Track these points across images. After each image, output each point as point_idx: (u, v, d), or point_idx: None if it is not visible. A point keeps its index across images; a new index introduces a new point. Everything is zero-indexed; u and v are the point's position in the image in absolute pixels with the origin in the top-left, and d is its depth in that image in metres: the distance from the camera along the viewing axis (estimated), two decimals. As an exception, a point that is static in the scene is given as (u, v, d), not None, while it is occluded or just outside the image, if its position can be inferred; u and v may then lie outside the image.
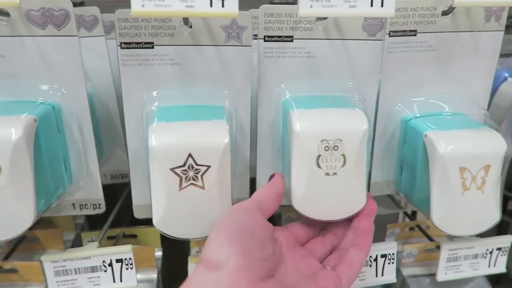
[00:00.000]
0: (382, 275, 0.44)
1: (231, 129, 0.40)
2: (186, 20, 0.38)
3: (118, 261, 0.41)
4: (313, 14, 0.33)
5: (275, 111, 0.43)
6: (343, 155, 0.36)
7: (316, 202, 0.37)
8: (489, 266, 0.46)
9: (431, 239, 0.54)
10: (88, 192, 0.45)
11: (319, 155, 0.36)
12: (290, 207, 0.39)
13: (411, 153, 0.43)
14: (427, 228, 0.58)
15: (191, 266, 0.43)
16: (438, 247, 0.52)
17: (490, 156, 0.39)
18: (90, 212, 0.45)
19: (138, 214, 0.45)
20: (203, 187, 0.36)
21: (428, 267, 0.53)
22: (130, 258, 0.40)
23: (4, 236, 0.36)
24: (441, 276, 0.45)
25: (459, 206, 0.39)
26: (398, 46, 0.43)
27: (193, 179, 0.36)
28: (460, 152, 0.38)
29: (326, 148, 0.36)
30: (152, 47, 0.40)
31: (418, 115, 0.44)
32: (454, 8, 0.41)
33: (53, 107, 0.39)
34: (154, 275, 0.48)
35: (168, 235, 0.37)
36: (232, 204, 0.39)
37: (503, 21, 0.44)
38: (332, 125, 0.36)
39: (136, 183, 0.44)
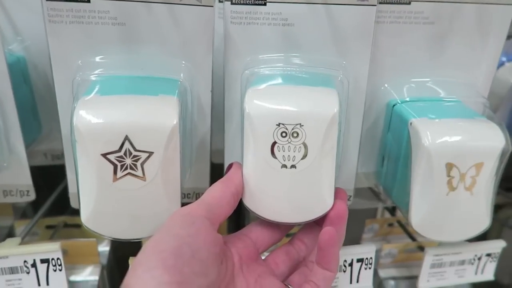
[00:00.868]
0: (357, 281, 0.39)
1: (184, 107, 0.33)
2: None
3: (43, 261, 0.34)
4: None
5: (244, 88, 0.36)
6: (304, 144, 0.30)
7: (269, 199, 0.31)
8: (476, 273, 0.41)
9: (412, 238, 0.49)
10: (13, 176, 0.37)
11: (274, 142, 0.30)
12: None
13: (395, 142, 0.38)
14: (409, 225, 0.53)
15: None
16: (420, 248, 0.48)
17: (484, 153, 0.33)
18: (17, 200, 0.38)
19: (75, 203, 0.38)
20: (143, 178, 0.29)
21: (408, 268, 0.48)
22: (58, 258, 0.34)
23: None
24: (423, 284, 0.40)
25: (442, 208, 0.34)
26: (388, 16, 0.36)
27: (131, 168, 0.29)
28: (448, 145, 0.33)
29: (283, 134, 0.29)
30: (88, 1, 0.32)
31: (407, 100, 0.38)
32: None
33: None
34: (96, 273, 0.41)
35: (101, 235, 0.31)
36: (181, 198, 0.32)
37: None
38: (292, 107, 0.29)
39: (72, 167, 0.36)
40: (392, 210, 0.58)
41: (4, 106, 0.35)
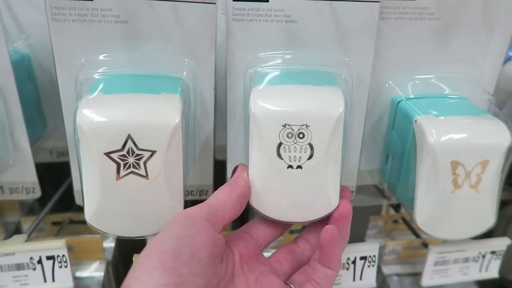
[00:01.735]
0: (361, 279, 0.39)
1: (188, 105, 0.33)
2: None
3: (49, 258, 0.34)
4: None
5: (247, 85, 0.36)
6: (310, 144, 0.29)
7: (275, 199, 0.31)
8: (480, 271, 0.41)
9: (416, 235, 0.49)
10: (19, 173, 0.38)
11: (280, 143, 0.29)
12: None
13: (399, 140, 0.37)
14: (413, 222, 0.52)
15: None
16: (424, 245, 0.47)
17: (490, 150, 0.33)
18: (23, 197, 0.39)
19: (80, 200, 0.38)
20: (146, 177, 0.29)
21: (412, 265, 0.48)
22: (63, 255, 0.34)
23: None
24: (426, 281, 0.40)
25: (447, 206, 0.34)
26: (393, 12, 0.36)
27: (134, 167, 0.29)
28: (454, 143, 0.32)
29: (289, 135, 0.29)
30: (91, -1, 0.32)
31: (411, 97, 0.38)
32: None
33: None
34: (101, 269, 0.42)
35: (105, 233, 0.31)
36: (184, 195, 0.32)
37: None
38: (298, 107, 0.29)
39: (76, 164, 0.37)
40: (397, 207, 0.58)
41: (9, 104, 0.35)
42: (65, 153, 0.49)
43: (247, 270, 0.30)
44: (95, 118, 0.28)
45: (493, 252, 0.41)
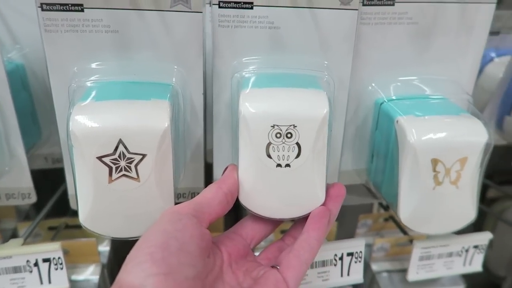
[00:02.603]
0: (348, 274, 0.40)
1: (177, 110, 0.35)
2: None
3: (45, 260, 0.35)
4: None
5: (234, 90, 0.38)
6: (297, 143, 0.31)
7: (265, 196, 0.32)
8: (464, 265, 0.43)
9: (404, 232, 0.50)
10: (15, 179, 0.39)
11: (270, 143, 0.31)
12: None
13: (383, 140, 0.39)
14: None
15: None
16: (411, 241, 0.49)
17: (468, 148, 0.34)
18: (19, 202, 0.40)
19: (75, 204, 0.39)
20: (137, 179, 0.31)
21: (400, 261, 0.49)
22: (59, 258, 0.35)
23: None
24: (412, 276, 0.41)
25: (429, 202, 0.35)
26: (373, 17, 0.38)
27: (126, 170, 0.30)
28: (433, 141, 0.34)
29: (278, 135, 0.31)
30: (82, 10, 0.33)
31: (393, 98, 0.39)
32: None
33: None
34: (97, 272, 0.43)
35: (99, 235, 0.32)
36: (175, 197, 0.34)
37: (496, -9, 0.38)
38: (286, 108, 0.31)
39: (71, 170, 0.38)
40: (386, 206, 0.60)
41: (4, 112, 0.36)
42: (60, 159, 0.50)
43: (235, 268, 0.31)
44: (87, 124, 0.29)
45: (476, 247, 0.42)
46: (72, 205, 0.40)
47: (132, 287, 0.24)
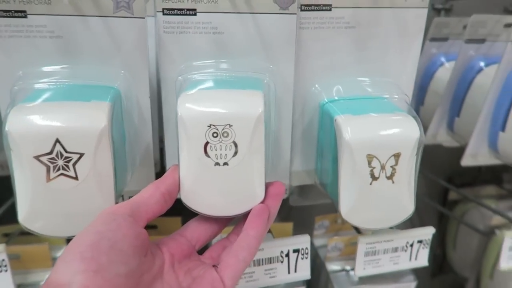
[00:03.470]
0: (295, 271, 0.41)
1: (119, 111, 0.36)
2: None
3: (-12, 263, 0.36)
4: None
5: (178, 93, 0.39)
6: (234, 142, 0.32)
7: (205, 195, 0.33)
8: (410, 260, 0.44)
9: (359, 231, 0.51)
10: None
11: (207, 142, 0.32)
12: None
13: (325, 139, 0.40)
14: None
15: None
16: (363, 239, 0.50)
17: (401, 143, 0.36)
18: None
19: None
20: (76, 178, 0.31)
21: (355, 260, 0.50)
22: (3, 260, 0.35)
23: None
24: (359, 271, 0.42)
25: (367, 197, 0.36)
26: (312, 22, 0.39)
27: (63, 169, 0.31)
28: (368, 138, 0.35)
29: (215, 135, 0.32)
30: (25, 16, 0.34)
31: (336, 99, 0.41)
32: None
33: None
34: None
35: (37, 234, 0.33)
36: (119, 198, 0.34)
37: (426, -3, 0.41)
38: (221, 109, 0.32)
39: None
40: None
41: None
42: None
43: (178, 268, 0.32)
44: (24, 124, 0.30)
45: (420, 241, 0.43)
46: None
47: (60, 285, 0.24)
